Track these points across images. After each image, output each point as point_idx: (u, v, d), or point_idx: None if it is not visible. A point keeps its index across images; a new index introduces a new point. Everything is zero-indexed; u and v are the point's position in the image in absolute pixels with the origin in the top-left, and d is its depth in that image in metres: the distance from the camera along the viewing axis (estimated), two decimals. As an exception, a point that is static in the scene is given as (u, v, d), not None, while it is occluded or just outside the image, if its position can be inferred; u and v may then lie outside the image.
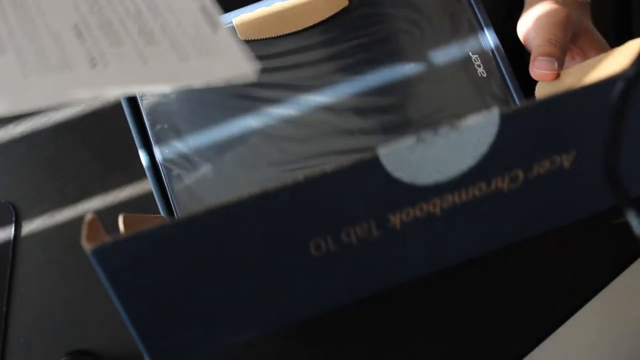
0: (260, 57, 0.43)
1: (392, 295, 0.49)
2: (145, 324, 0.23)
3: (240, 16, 0.44)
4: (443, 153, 0.24)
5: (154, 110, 0.43)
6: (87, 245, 0.22)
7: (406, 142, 0.23)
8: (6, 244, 0.49)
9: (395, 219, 0.24)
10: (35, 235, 0.49)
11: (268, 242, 0.23)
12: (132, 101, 0.43)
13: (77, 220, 0.50)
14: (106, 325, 0.48)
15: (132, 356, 0.47)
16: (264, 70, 0.43)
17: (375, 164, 0.23)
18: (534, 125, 0.24)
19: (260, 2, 0.44)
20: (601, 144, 0.25)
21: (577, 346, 0.48)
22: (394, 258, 0.24)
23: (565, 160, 0.25)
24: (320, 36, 0.44)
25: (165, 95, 0.43)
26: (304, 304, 0.24)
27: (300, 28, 0.43)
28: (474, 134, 0.24)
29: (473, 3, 0.44)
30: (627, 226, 0.50)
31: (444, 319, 0.49)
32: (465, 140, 0.24)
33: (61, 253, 0.49)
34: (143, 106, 0.43)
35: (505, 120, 0.24)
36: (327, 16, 0.44)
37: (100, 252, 0.22)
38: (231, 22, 0.43)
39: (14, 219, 0.49)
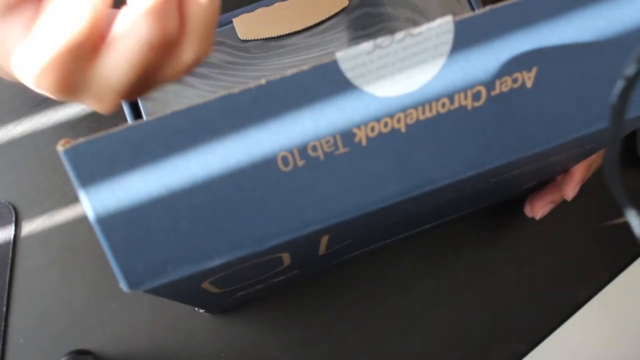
0: (260, 57, 0.43)
1: (388, 292, 0.49)
2: (118, 236, 0.23)
3: (240, 16, 0.44)
4: (402, 62, 0.24)
5: (155, 111, 0.43)
6: (60, 148, 0.22)
7: (364, 47, 0.24)
8: (6, 244, 0.49)
9: (361, 134, 0.24)
10: (35, 235, 0.49)
11: (236, 150, 0.23)
12: (133, 102, 0.43)
13: (77, 220, 0.50)
14: (106, 325, 0.48)
15: (132, 356, 0.47)
16: (263, 70, 0.43)
17: (334, 68, 0.24)
18: (491, 36, 0.24)
19: (260, 2, 0.44)
20: (564, 61, 0.25)
21: (577, 346, 0.48)
22: (364, 179, 0.24)
23: (527, 78, 0.25)
24: (320, 36, 0.44)
25: (166, 97, 0.43)
26: (278, 226, 0.24)
27: (300, 28, 0.44)
28: (430, 42, 0.24)
29: (473, 3, 0.44)
30: (627, 226, 0.50)
31: (443, 318, 0.49)
32: (423, 48, 0.24)
33: (61, 253, 0.49)
34: (144, 107, 0.43)
35: (460, 27, 0.24)
36: (327, 16, 0.44)
37: (73, 152, 0.22)
38: (231, 22, 0.43)
39: (14, 219, 0.49)
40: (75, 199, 0.50)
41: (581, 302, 0.49)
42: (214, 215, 0.23)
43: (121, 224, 0.23)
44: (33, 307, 0.48)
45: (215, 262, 0.24)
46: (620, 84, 0.19)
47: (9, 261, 0.48)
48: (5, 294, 0.48)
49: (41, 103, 0.51)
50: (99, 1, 0.24)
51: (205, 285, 0.29)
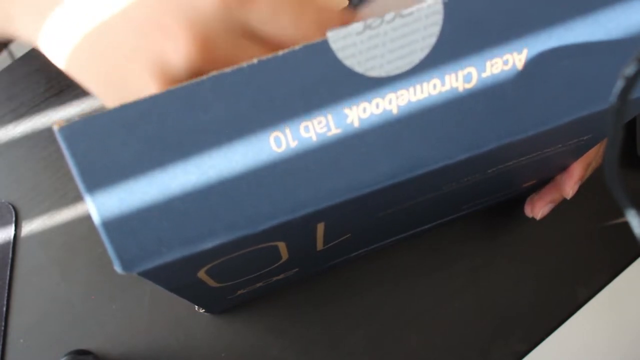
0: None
1: (388, 292, 0.49)
2: (111, 215, 0.23)
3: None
4: (392, 42, 0.24)
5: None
6: (56, 127, 0.22)
7: (354, 27, 0.23)
8: (6, 244, 0.49)
9: (353, 115, 0.24)
10: (35, 235, 0.49)
11: (228, 129, 0.23)
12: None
13: (77, 220, 0.50)
14: (106, 325, 0.48)
15: (132, 356, 0.47)
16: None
17: (325, 48, 0.23)
18: (481, 17, 0.24)
19: (260, 2, 0.44)
20: (555, 43, 0.25)
21: (577, 346, 0.48)
22: (356, 160, 0.24)
23: (518, 60, 0.25)
24: (320, 36, 0.44)
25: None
26: (271, 207, 0.24)
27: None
28: (420, 23, 0.24)
29: None
30: (627, 226, 0.50)
31: (443, 318, 0.49)
32: (412, 29, 0.24)
33: (61, 253, 0.49)
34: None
35: (450, 8, 0.24)
36: (327, 16, 0.44)
37: (68, 131, 0.22)
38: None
39: (14, 219, 0.49)
40: (75, 199, 0.50)
41: (581, 302, 0.49)
42: (207, 196, 0.23)
43: (115, 204, 0.23)
44: (33, 307, 0.48)
45: (209, 244, 0.23)
46: (620, 84, 0.19)
47: (9, 261, 0.48)
48: (5, 294, 0.48)
49: (41, 103, 0.51)
50: None
51: (202, 274, 0.29)
